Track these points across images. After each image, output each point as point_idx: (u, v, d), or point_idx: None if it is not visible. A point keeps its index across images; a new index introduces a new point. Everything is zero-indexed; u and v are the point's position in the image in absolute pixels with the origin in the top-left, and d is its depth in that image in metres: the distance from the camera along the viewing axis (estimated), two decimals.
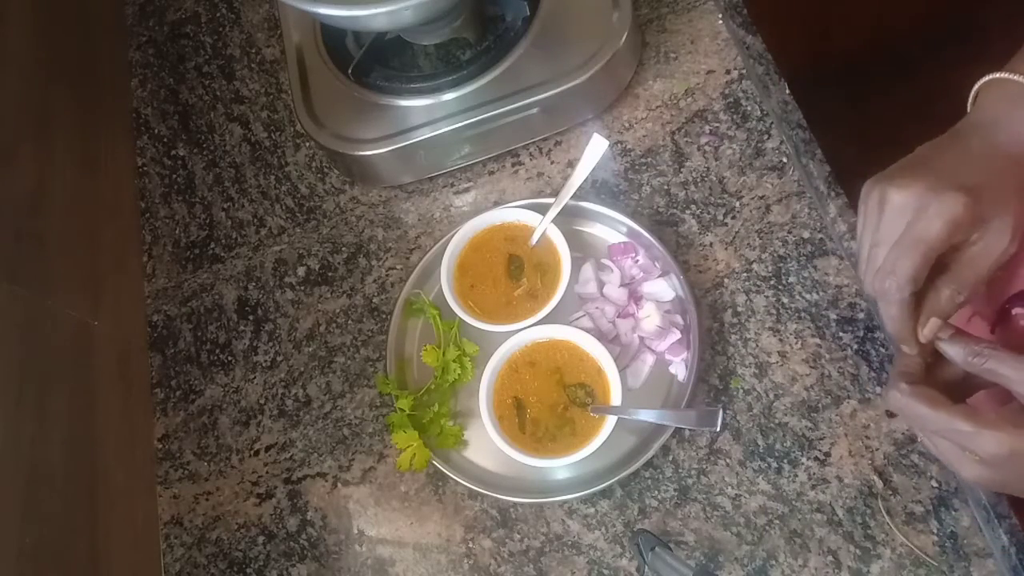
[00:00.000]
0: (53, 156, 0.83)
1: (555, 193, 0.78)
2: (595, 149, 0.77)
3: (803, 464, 0.68)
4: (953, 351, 0.53)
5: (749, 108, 0.81)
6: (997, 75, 0.57)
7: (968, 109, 0.59)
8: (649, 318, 0.73)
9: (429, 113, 0.80)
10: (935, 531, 0.64)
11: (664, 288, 0.74)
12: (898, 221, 0.54)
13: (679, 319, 0.73)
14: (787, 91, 0.78)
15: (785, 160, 0.78)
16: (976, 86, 0.58)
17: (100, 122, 0.94)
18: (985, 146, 0.55)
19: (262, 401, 0.82)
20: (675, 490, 0.70)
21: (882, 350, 0.70)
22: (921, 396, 0.52)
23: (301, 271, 0.86)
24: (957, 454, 0.52)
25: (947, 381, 0.55)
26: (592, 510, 0.71)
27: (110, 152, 0.93)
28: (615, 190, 0.81)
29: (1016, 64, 0.57)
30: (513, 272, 0.77)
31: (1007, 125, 0.55)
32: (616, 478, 0.69)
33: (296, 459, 0.79)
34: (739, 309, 0.74)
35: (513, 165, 0.85)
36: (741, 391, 0.71)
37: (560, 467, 0.71)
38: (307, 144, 0.92)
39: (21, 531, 0.64)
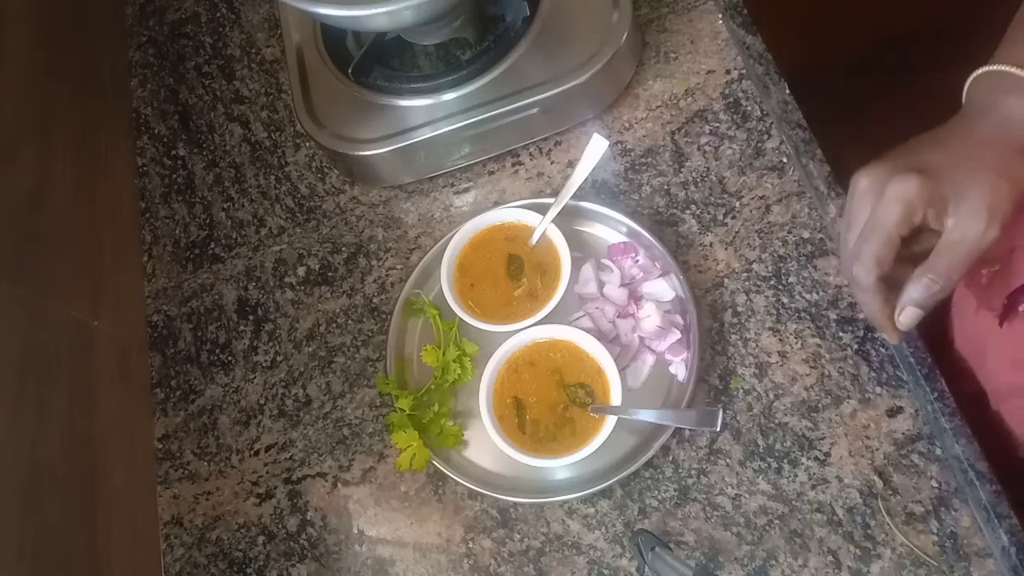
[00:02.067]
0: (53, 156, 0.82)
1: (555, 193, 0.78)
2: (595, 149, 0.77)
3: (803, 464, 0.68)
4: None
5: (749, 108, 0.81)
6: (985, 69, 0.58)
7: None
8: (649, 318, 0.73)
9: (429, 113, 0.80)
10: (935, 531, 0.64)
11: (664, 288, 0.74)
12: (864, 205, 0.54)
13: (679, 319, 0.73)
14: (787, 91, 0.78)
15: (785, 160, 0.78)
16: (967, 83, 0.59)
17: (100, 122, 0.94)
18: (964, 132, 0.56)
19: (262, 401, 0.82)
20: (675, 490, 0.70)
21: (882, 350, 0.70)
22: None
23: (301, 271, 0.86)
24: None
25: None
26: (592, 510, 0.71)
27: (110, 152, 0.93)
28: (615, 190, 0.81)
29: (1001, 55, 0.58)
30: (513, 272, 0.77)
31: (995, 113, 0.55)
32: (616, 478, 0.69)
33: (296, 459, 0.79)
34: (739, 309, 0.74)
35: (513, 165, 0.85)
36: (741, 391, 0.71)
37: (560, 467, 0.71)
38: (307, 144, 0.92)
39: (21, 531, 0.64)
